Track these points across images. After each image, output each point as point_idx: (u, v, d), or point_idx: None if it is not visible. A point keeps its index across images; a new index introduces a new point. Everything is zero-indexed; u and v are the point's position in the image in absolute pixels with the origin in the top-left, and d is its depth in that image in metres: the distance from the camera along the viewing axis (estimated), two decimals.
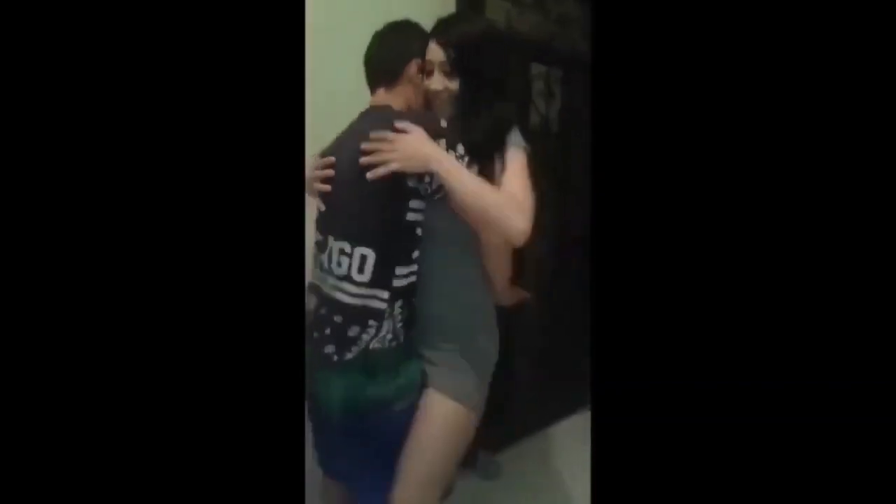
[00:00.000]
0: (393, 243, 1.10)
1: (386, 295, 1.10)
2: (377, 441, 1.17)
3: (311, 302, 1.16)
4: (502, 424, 2.33)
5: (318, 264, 1.15)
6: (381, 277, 1.09)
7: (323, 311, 1.13)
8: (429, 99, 1.20)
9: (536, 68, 2.33)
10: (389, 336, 1.12)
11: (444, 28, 1.17)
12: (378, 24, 1.87)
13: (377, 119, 1.10)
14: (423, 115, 1.18)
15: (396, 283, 1.10)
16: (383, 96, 1.18)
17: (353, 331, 1.10)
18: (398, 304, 1.11)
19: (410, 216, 1.09)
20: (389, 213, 1.08)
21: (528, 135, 1.14)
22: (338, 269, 1.10)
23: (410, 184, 1.05)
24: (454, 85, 1.15)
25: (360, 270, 1.10)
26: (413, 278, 1.12)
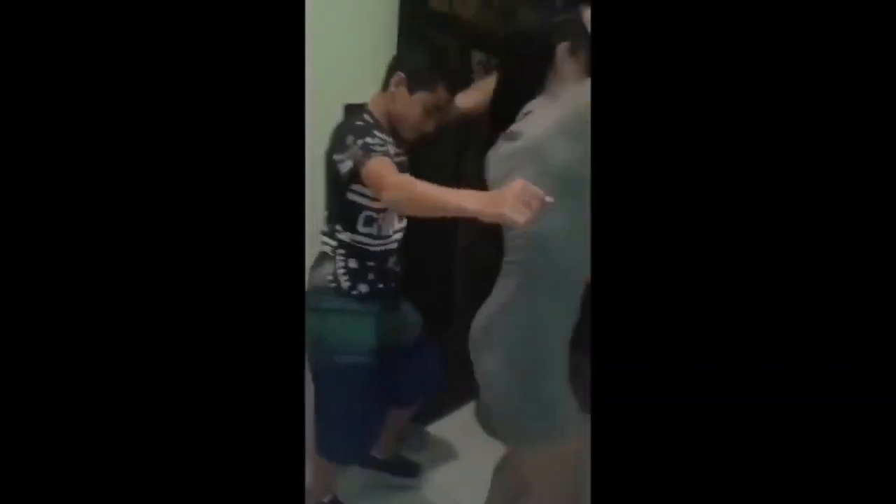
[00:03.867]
0: (337, 209, 1.42)
1: (333, 243, 1.44)
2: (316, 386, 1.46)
3: None
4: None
5: None
6: (329, 230, 1.45)
7: None
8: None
9: (476, 55, 2.33)
10: (330, 277, 1.43)
11: None
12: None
13: None
14: None
15: (339, 236, 1.43)
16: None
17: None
18: (340, 252, 1.43)
19: (350, 196, 1.38)
20: (335, 189, 1.41)
21: None
22: None
23: (344, 170, 1.32)
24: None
25: (324, 223, 1.47)
26: (359, 246, 1.43)
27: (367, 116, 1.41)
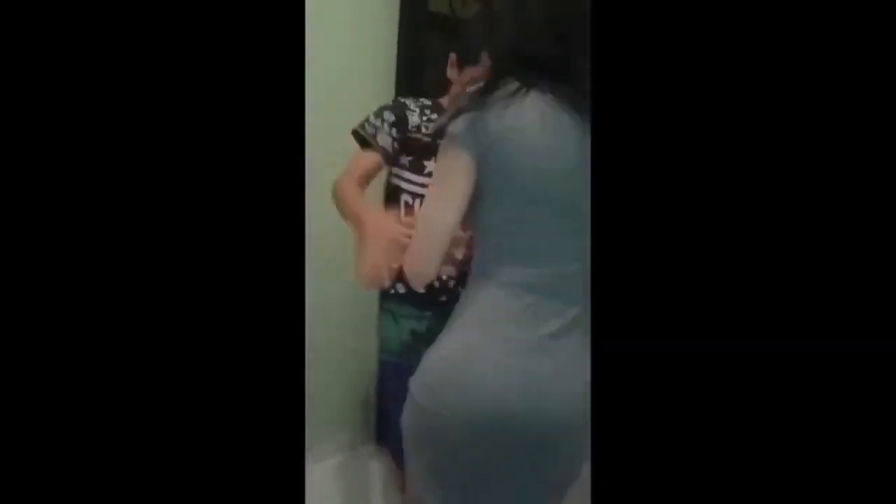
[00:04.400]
0: (386, 193, 1.43)
1: None
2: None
3: None
4: None
5: None
6: None
7: None
8: None
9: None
10: None
11: None
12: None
13: None
14: None
15: None
16: None
17: None
18: None
19: (393, 179, 1.39)
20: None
21: None
22: None
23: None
24: None
25: None
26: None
27: (407, 100, 1.40)
